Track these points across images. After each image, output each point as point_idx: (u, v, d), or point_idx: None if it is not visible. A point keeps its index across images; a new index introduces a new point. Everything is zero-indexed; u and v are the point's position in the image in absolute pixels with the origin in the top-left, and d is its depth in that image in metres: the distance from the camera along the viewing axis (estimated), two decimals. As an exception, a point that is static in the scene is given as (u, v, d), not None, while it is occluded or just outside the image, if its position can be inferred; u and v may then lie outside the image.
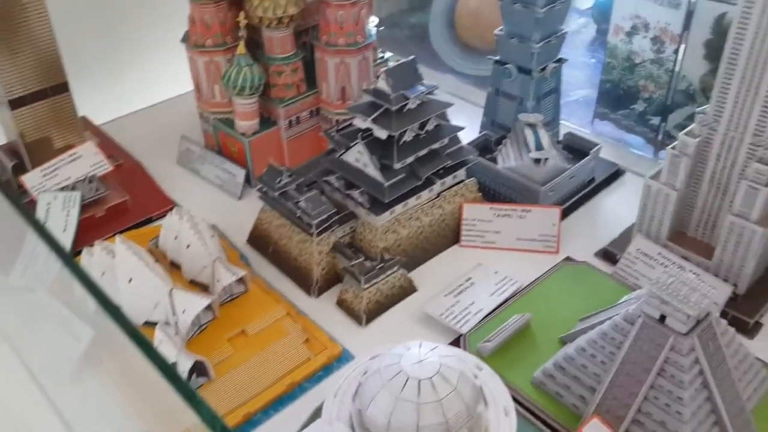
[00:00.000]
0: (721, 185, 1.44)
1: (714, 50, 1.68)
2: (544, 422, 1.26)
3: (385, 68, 1.46)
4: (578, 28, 2.63)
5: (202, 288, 1.45)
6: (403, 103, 1.46)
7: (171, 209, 1.57)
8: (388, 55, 2.01)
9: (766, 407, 1.27)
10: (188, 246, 1.46)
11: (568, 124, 2.04)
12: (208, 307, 1.38)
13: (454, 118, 1.83)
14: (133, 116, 2.21)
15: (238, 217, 1.74)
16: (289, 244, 1.56)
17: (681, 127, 1.80)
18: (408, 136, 1.50)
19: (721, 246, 1.43)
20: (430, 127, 1.54)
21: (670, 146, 1.46)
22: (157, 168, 1.94)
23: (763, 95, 1.31)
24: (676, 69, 1.79)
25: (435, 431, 0.95)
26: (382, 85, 1.45)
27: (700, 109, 1.43)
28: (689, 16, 1.70)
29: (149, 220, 1.75)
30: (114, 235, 1.57)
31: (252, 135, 1.78)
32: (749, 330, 1.43)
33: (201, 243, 1.44)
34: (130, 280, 1.38)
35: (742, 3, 1.27)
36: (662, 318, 1.16)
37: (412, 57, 1.51)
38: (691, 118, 1.65)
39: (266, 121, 1.82)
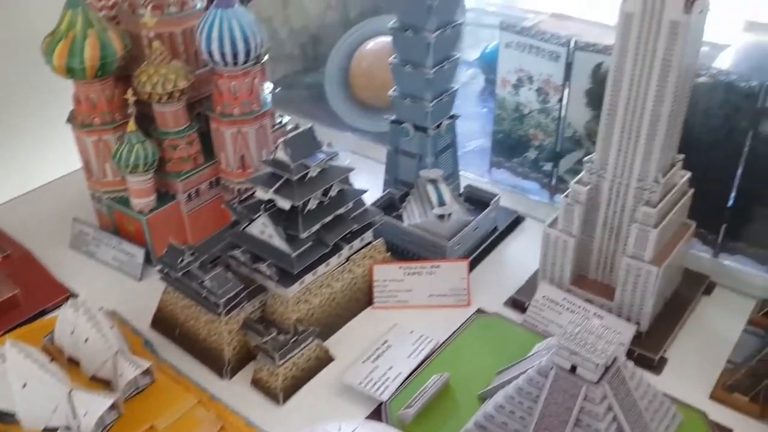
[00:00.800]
0: (614, 229, 1.51)
1: (594, 98, 1.78)
2: (472, 484, 1.25)
3: (283, 138, 1.44)
4: (468, 79, 2.73)
5: (105, 384, 1.36)
6: (304, 172, 1.44)
7: (66, 299, 1.48)
8: (286, 119, 2.00)
9: (678, 442, 1.31)
10: (86, 340, 1.37)
11: (467, 175, 2.09)
12: (112, 406, 1.29)
13: (358, 175, 1.84)
14: (18, 200, 2.09)
15: (140, 299, 1.66)
16: (197, 326, 1.49)
17: (572, 171, 1.89)
18: (312, 204, 1.48)
19: (621, 287, 1.49)
20: (333, 193, 1.53)
21: (564, 195, 1.52)
22: (49, 254, 1.83)
23: (643, 141, 1.38)
24: (562, 117, 1.87)
25: None
26: (281, 155, 1.44)
27: (587, 158, 1.50)
28: (569, 67, 1.79)
29: (43, 313, 1.63)
30: (4, 334, 1.45)
31: (149, 212, 1.71)
32: (655, 366, 1.48)
33: (100, 336, 1.36)
34: (25, 385, 1.28)
35: (615, 54, 1.35)
36: (573, 368, 1.19)
37: (309, 125, 1.51)
38: (580, 162, 1.72)
39: (164, 196, 1.76)
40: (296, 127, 2.00)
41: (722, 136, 1.62)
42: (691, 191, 1.55)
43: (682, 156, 1.50)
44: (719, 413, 1.38)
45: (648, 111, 1.35)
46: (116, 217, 1.78)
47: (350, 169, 1.55)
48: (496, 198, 1.84)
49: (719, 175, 1.65)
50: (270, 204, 1.48)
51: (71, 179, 2.04)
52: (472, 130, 2.37)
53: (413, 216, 1.76)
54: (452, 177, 1.94)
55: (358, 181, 1.92)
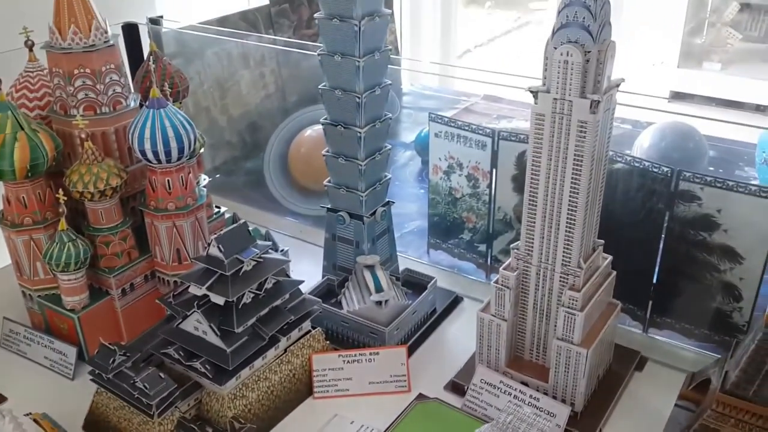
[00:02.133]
0: (544, 311, 1.57)
1: (520, 183, 1.87)
2: None
3: (215, 235, 1.47)
4: (406, 161, 2.83)
5: (30, 497, 1.32)
6: (238, 267, 1.46)
7: (-7, 404, 1.43)
8: (223, 209, 2.03)
9: None
10: (11, 450, 1.33)
11: (405, 257, 2.14)
12: None
13: (299, 260, 1.87)
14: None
15: (72, 400, 1.62)
16: (130, 427, 1.47)
17: (506, 251, 1.96)
18: (247, 299, 1.50)
19: (554, 369, 1.54)
20: (268, 285, 1.55)
21: (494, 281, 1.57)
22: (-24, 356, 1.77)
23: (563, 230, 1.46)
24: (492, 201, 1.96)
25: None
26: (214, 251, 1.46)
27: (513, 244, 1.57)
28: (495, 155, 1.89)
29: (-33, 419, 1.57)
30: None
31: (82, 309, 1.69)
32: (590, 445, 1.52)
33: (24, 447, 1.32)
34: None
35: (530, 149, 1.44)
36: (507, 456, 1.21)
37: (243, 221, 1.54)
38: (514, 241, 1.80)
39: (97, 291, 1.75)
40: (234, 218, 2.04)
41: (642, 217, 1.72)
42: (614, 273, 1.63)
43: (602, 241, 1.58)
44: (655, 491, 1.42)
45: (565, 201, 1.43)
46: (48, 315, 1.75)
47: (285, 261, 1.58)
48: (433, 281, 1.89)
49: (642, 253, 1.74)
50: (204, 299, 1.48)
51: (1, 277, 2.00)
52: (411, 212, 2.45)
53: (352, 302, 1.79)
54: (390, 261, 1.98)
55: (299, 265, 1.96)
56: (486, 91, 3.29)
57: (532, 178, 1.46)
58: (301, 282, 1.63)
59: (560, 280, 1.51)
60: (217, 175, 2.64)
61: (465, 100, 3.31)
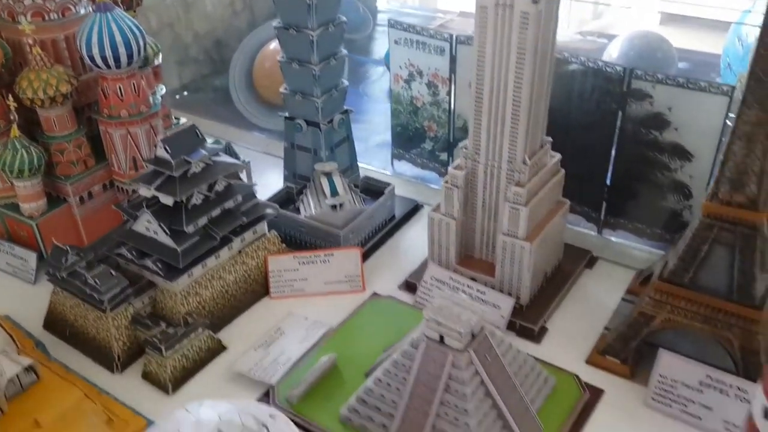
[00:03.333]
0: (492, 209, 1.60)
1: (478, 88, 1.87)
2: (355, 457, 1.31)
3: (162, 136, 1.49)
4: (378, 77, 2.82)
5: (-12, 385, 1.38)
6: (186, 168, 1.49)
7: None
8: (183, 120, 2.04)
9: (552, 403, 1.40)
10: (-31, 343, 1.39)
11: (370, 168, 2.16)
12: (-6, 405, 1.31)
13: (265, 173, 1.91)
14: None
15: (33, 303, 1.67)
16: (86, 324, 1.52)
17: (465, 159, 1.98)
18: (196, 200, 1.53)
19: (500, 264, 1.58)
20: (219, 188, 1.58)
21: (444, 179, 1.60)
22: (-60, 264, 1.82)
23: (508, 125, 1.48)
24: (452, 109, 1.96)
25: (219, 488, 0.97)
26: (162, 153, 1.48)
27: (462, 143, 1.59)
28: (453, 60, 1.88)
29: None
30: None
31: (40, 216, 1.72)
32: (535, 336, 1.58)
33: (-19, 338, 1.37)
34: None
35: (475, 44, 1.44)
36: (441, 338, 1.26)
37: (191, 124, 1.56)
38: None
39: (56, 200, 1.78)
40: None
41: (596, 118, 1.73)
42: (562, 172, 1.65)
43: (549, 138, 1.59)
44: (594, 376, 1.48)
45: (509, 96, 1.44)
46: (8, 223, 1.79)
47: (236, 164, 1.60)
48: (390, 188, 1.91)
49: (597, 155, 1.76)
50: (154, 200, 1.51)
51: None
52: (381, 126, 2.45)
53: (309, 208, 1.82)
54: (351, 170, 2.01)
55: (264, 177, 2.00)
56: (462, 8, 3.25)
57: (477, 74, 1.47)
58: (252, 186, 1.66)
59: (506, 177, 1.53)
60: (185, 93, 2.63)
61: (441, 17, 3.26)
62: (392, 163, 2.20)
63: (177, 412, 1.04)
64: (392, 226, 1.93)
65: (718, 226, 1.35)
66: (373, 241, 1.87)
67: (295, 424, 1.34)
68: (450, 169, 1.59)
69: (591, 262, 1.79)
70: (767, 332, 1.35)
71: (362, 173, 2.06)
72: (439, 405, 1.26)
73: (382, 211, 1.90)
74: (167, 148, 1.46)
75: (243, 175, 1.82)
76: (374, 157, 2.27)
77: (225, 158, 1.60)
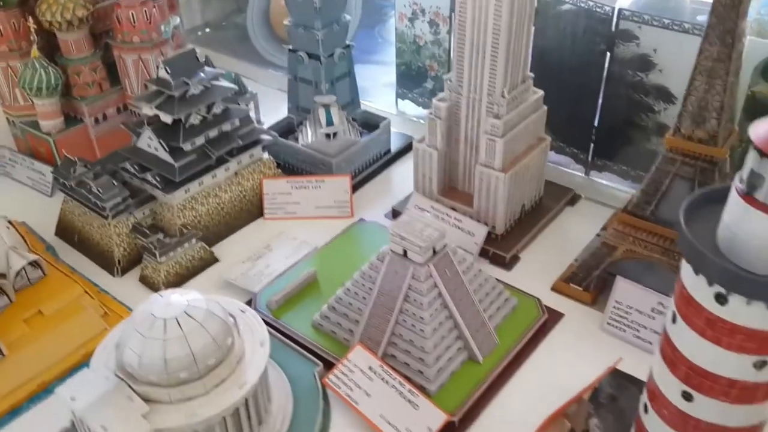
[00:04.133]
0: (473, 142, 1.67)
1: (475, 28, 1.92)
2: (322, 358, 1.43)
3: (164, 58, 1.59)
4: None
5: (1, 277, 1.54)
6: (185, 89, 1.60)
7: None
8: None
9: (511, 322, 1.49)
10: (-15, 239, 1.54)
11: (374, 106, 2.24)
12: (3, 293, 1.46)
13: (276, 108, 2.02)
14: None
15: (49, 213, 1.83)
16: (91, 230, 1.67)
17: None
18: (194, 120, 1.64)
19: (477, 194, 1.66)
20: (217, 110, 1.69)
21: (428, 111, 1.67)
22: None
23: (489, 57, 1.54)
24: (452, 47, 2.01)
25: (182, 362, 1.10)
26: (163, 74, 1.59)
27: (447, 76, 1.65)
28: (453, -1, 1.93)
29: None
30: None
31: (57, 133, 1.87)
32: (507, 264, 1.66)
33: (-6, 234, 1.53)
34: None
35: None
36: (405, 252, 1.36)
37: (191, 47, 1.66)
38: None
39: (73, 119, 1.92)
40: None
41: (586, 60, 1.77)
42: (544, 108, 1.70)
43: (532, 74, 1.65)
44: (557, 302, 1.57)
45: (490, 26, 1.50)
46: (30, 139, 1.94)
47: (233, 88, 1.71)
48: (385, 121, 2.00)
49: (586, 97, 1.81)
50: (156, 119, 1.63)
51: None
52: (390, 66, 2.51)
53: (306, 137, 1.92)
54: (351, 105, 2.09)
55: (274, 111, 2.10)
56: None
57: (460, 5, 1.53)
58: (247, 110, 1.77)
59: (486, 110, 1.60)
60: (207, 30, 2.74)
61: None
62: (396, 103, 2.28)
63: (152, 296, 1.17)
64: (387, 159, 2.03)
65: (680, 160, 1.40)
66: (367, 172, 1.96)
67: (273, 327, 1.48)
68: (434, 100, 1.66)
69: (573, 200, 1.85)
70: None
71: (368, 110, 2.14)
72: (399, 313, 1.37)
73: (377, 144, 1.99)
74: (168, 69, 1.57)
75: (251, 107, 1.95)
76: (381, 97, 2.35)
77: (224, 83, 1.71)
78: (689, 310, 0.94)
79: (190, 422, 1.10)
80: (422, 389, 1.33)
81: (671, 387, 1.03)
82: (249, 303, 1.56)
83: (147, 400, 1.10)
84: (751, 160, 0.84)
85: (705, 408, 1.00)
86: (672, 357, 1.01)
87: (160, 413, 1.10)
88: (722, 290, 0.87)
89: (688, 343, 0.97)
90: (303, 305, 1.54)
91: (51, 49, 1.88)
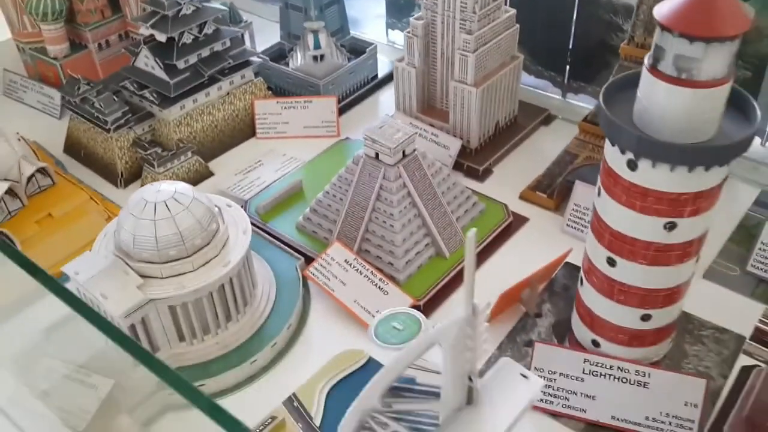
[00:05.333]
0: (450, 59, 1.78)
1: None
2: (306, 255, 1.57)
3: (158, -19, 1.72)
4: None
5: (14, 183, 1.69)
6: (177, 9, 1.72)
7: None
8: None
9: (479, 223, 1.62)
10: (-1, 150, 1.70)
11: (366, 37, 2.34)
12: (16, 196, 1.62)
13: (271, 39, 2.15)
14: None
15: (59, 134, 1.98)
16: (95, 145, 1.82)
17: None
18: (187, 39, 1.77)
19: (452, 109, 1.78)
20: (208, 30, 1.81)
21: (406, 30, 1.78)
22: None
23: (461, -23, 1.64)
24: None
25: (170, 240, 1.25)
26: (157, -5, 1.71)
27: (423, -5, 1.76)
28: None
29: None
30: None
31: (63, 58, 2.00)
32: (480, 176, 1.79)
33: (7, 146, 1.68)
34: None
35: None
36: (377, 155, 1.49)
37: (183, -29, 1.77)
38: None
39: (78, 46, 2.05)
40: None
41: (560, -18, 1.86)
42: (517, 26, 1.80)
43: (505, -7, 1.75)
44: (524, 208, 1.70)
45: (461, -54, 1.60)
46: (38, 65, 2.08)
47: (222, 10, 1.82)
48: (372, 47, 2.11)
49: (561, 21, 1.91)
50: (152, 39, 1.76)
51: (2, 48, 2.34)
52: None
53: (296, 61, 2.04)
54: (341, 32, 2.20)
55: (269, 42, 2.21)
56: None
57: (434, -73, 1.63)
58: (238, 31, 1.89)
59: (459, 26, 1.71)
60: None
61: None
62: (387, 33, 2.38)
63: (146, 185, 1.31)
64: (374, 84, 2.14)
65: (634, 68, 1.50)
66: (354, 96, 2.09)
67: (261, 230, 1.63)
68: (411, 19, 1.77)
69: (548, 119, 1.97)
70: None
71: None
72: (372, 211, 1.51)
73: (364, 68, 2.11)
74: (161, -9, 1.70)
75: (246, 36, 2.07)
76: (373, 28, 2.45)
77: (215, 5, 1.83)
78: (609, 180, 1.07)
79: (179, 293, 1.26)
80: (392, 279, 1.48)
81: (599, 256, 1.16)
82: (241, 209, 1.71)
83: (142, 276, 1.26)
84: (656, 35, 0.95)
85: (626, 271, 1.14)
86: (598, 227, 1.14)
87: (153, 286, 1.26)
88: (632, 156, 1.00)
89: (610, 212, 1.10)
90: (289, 211, 1.69)
91: (55, -23, 2.01)
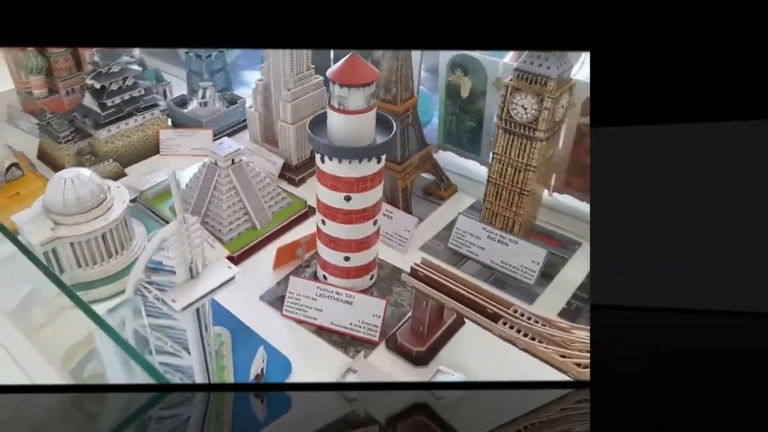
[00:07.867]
0: (278, 106, 2.55)
1: None
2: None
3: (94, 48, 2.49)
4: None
5: None
6: (108, 68, 2.45)
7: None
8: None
9: (284, 211, 2.34)
10: (-12, 152, 2.44)
11: (242, 93, 3.05)
12: (-4, 180, 2.37)
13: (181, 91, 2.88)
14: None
15: (35, 146, 2.71)
16: (54, 153, 2.54)
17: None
18: (114, 86, 2.50)
19: (281, 139, 2.54)
20: (129, 82, 2.54)
21: (252, 87, 2.56)
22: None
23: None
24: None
25: (72, 202, 1.98)
26: (96, 59, 2.49)
27: (262, 65, 2.53)
28: None
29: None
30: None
31: (43, 99, 2.76)
32: (297, 183, 2.50)
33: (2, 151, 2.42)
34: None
35: None
36: (215, 162, 2.24)
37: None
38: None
39: (54, 91, 2.75)
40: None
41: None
42: (324, 88, 2.57)
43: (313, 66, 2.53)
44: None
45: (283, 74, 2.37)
46: (27, 103, 2.83)
47: (138, 71, 2.60)
48: (242, 99, 2.84)
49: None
50: (92, 86, 2.53)
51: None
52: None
53: (191, 106, 2.81)
54: (226, 90, 2.92)
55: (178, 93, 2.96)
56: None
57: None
58: (150, 84, 2.67)
59: (284, 86, 2.47)
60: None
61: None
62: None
63: (65, 169, 2.07)
64: (242, 126, 2.86)
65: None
66: (228, 132, 2.80)
67: (148, 209, 2.37)
68: (255, 80, 2.55)
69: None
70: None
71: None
72: (210, 200, 2.23)
73: (235, 113, 2.79)
74: (99, 57, 2.48)
75: (168, 90, 2.85)
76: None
77: (134, 67, 2.61)
78: (318, 172, 1.80)
79: (76, 233, 1.97)
80: (220, 240, 2.22)
81: (319, 220, 1.89)
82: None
83: (55, 223, 1.99)
84: (332, 85, 1.69)
85: (331, 228, 1.81)
86: (318, 201, 1.87)
87: (62, 229, 1.99)
88: (326, 155, 1.74)
89: (320, 190, 1.78)
90: (169, 199, 2.43)
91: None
